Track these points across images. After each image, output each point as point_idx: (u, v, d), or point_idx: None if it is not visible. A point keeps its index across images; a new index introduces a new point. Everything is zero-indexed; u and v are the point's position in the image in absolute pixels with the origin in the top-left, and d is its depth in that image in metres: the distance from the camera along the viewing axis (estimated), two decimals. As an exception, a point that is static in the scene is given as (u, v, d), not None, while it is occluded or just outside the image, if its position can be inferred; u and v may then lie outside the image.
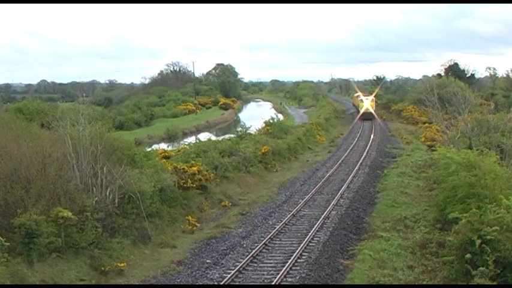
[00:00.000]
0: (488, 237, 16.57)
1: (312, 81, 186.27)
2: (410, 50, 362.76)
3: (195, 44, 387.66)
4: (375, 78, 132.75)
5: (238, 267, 19.27)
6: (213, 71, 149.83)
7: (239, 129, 50.87)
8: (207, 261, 20.65)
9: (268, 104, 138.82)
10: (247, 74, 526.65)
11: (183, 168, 28.63)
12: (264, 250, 21.48)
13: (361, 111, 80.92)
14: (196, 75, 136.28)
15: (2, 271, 15.81)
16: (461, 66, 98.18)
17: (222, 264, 20.16)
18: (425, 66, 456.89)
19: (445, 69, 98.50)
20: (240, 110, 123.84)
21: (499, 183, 21.77)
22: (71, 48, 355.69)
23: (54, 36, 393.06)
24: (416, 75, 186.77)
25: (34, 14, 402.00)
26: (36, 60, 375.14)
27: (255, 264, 19.98)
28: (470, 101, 39.96)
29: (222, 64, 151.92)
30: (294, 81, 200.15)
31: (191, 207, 27.39)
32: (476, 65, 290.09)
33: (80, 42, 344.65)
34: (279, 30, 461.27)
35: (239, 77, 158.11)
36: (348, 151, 49.57)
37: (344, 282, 18.67)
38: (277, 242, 22.64)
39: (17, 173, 19.92)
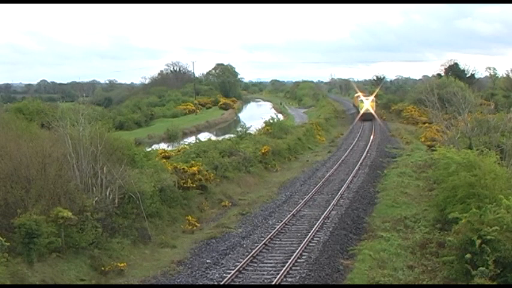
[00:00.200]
0: (488, 237, 16.57)
1: (312, 81, 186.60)
2: (410, 50, 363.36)
3: (195, 44, 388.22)
4: (374, 78, 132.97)
5: (238, 267, 19.27)
6: (213, 71, 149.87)
7: (239, 129, 50.85)
8: (207, 261, 20.65)
9: (268, 104, 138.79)
10: (247, 74, 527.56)
11: (183, 168, 28.63)
12: (264, 250, 21.48)
13: (361, 112, 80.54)
14: (196, 75, 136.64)
15: (2, 271, 15.81)
16: (461, 66, 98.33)
17: (222, 264, 20.16)
18: (425, 66, 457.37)
19: (445, 69, 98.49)
20: (240, 110, 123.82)
21: (499, 183, 21.77)
22: (71, 48, 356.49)
23: (54, 36, 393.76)
24: (416, 75, 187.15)
25: (34, 14, 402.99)
26: (36, 60, 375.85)
27: (255, 264, 19.98)
28: (470, 101, 39.95)
29: (222, 64, 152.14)
30: (294, 81, 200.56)
31: (191, 207, 27.39)
32: (476, 65, 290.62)
33: (80, 42, 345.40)
34: (279, 30, 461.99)
35: (239, 77, 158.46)
36: (348, 151, 49.56)
37: (344, 282, 18.67)
38: (277, 242, 22.63)
39: (17, 173, 19.92)
